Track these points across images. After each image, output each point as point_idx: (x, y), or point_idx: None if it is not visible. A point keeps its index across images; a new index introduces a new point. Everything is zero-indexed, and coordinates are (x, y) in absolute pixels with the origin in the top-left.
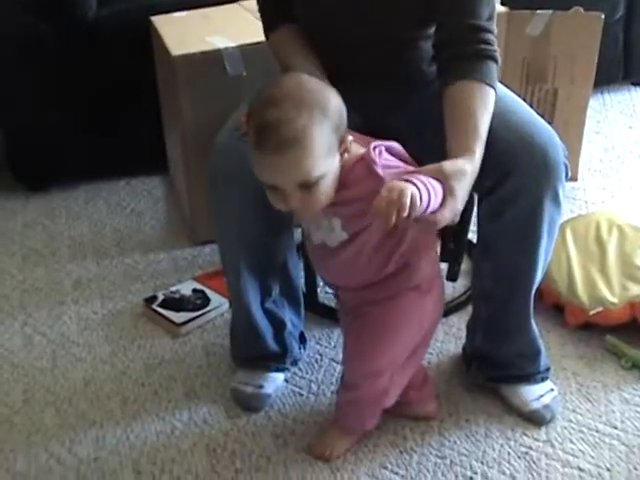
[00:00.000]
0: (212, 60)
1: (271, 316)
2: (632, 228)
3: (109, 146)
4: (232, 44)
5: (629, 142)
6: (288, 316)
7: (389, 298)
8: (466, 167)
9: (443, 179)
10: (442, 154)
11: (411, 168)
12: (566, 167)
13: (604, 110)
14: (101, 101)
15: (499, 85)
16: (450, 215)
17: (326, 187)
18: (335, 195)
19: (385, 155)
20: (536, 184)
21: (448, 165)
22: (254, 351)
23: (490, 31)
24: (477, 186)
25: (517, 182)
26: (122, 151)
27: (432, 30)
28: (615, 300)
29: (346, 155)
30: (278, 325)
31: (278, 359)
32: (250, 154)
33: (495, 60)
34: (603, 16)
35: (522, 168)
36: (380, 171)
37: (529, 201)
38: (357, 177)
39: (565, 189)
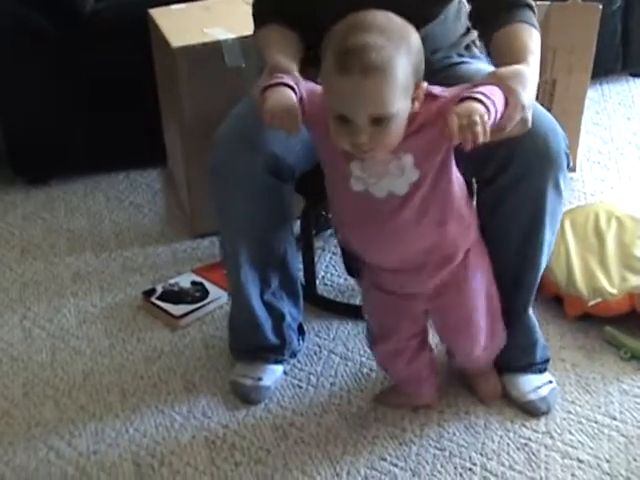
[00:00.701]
0: (212, 52)
1: (270, 308)
2: (631, 219)
3: (108, 139)
4: (231, 36)
5: (628, 133)
6: (287, 308)
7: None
8: (521, 68)
9: (498, 82)
10: None
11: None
12: (567, 156)
13: (603, 101)
14: (99, 94)
15: (484, 64)
16: (516, 114)
17: (396, 128)
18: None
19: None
20: (538, 172)
21: (502, 69)
22: (253, 343)
23: None
24: (477, 175)
25: (518, 170)
26: (121, 144)
27: (437, 15)
28: (614, 291)
29: (417, 104)
30: (277, 317)
31: (277, 351)
32: (325, 82)
33: (532, 8)
34: (601, 6)
35: (524, 156)
36: (439, 92)
37: (531, 189)
38: (424, 115)
39: (567, 179)
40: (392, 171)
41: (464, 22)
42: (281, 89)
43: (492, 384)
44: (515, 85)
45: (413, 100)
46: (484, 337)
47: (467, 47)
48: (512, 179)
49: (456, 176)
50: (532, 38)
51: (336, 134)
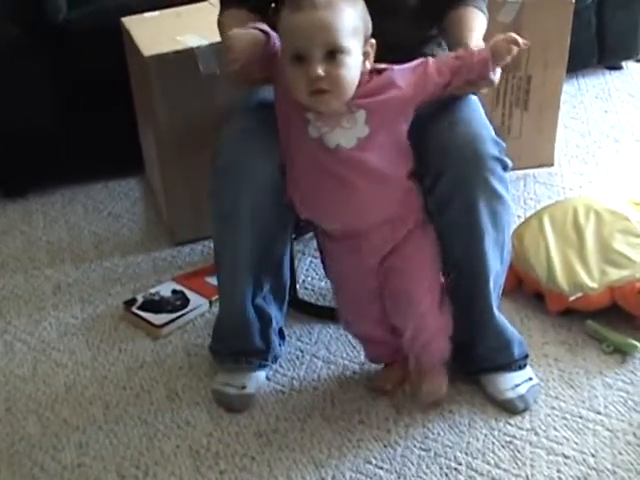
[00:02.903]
0: (185, 59)
1: (260, 312)
2: (609, 212)
3: (84, 149)
4: (205, 42)
5: (605, 126)
6: (274, 313)
7: (404, 243)
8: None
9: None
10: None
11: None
12: (500, 160)
13: (579, 95)
14: (74, 104)
15: None
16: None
17: (350, 70)
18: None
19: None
20: (466, 181)
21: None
22: (239, 347)
23: None
24: (421, 185)
25: (449, 181)
26: (98, 153)
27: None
28: (594, 285)
29: (367, 64)
30: (265, 321)
31: (261, 356)
32: (282, 22)
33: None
34: (574, 1)
35: (452, 167)
36: (387, 65)
37: (462, 198)
38: (375, 81)
39: (505, 181)
40: (344, 124)
41: (444, 47)
42: (250, 30)
43: (437, 383)
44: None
45: (364, 55)
46: (430, 307)
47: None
48: (444, 190)
49: (405, 144)
50: (478, 20)
51: (293, 80)
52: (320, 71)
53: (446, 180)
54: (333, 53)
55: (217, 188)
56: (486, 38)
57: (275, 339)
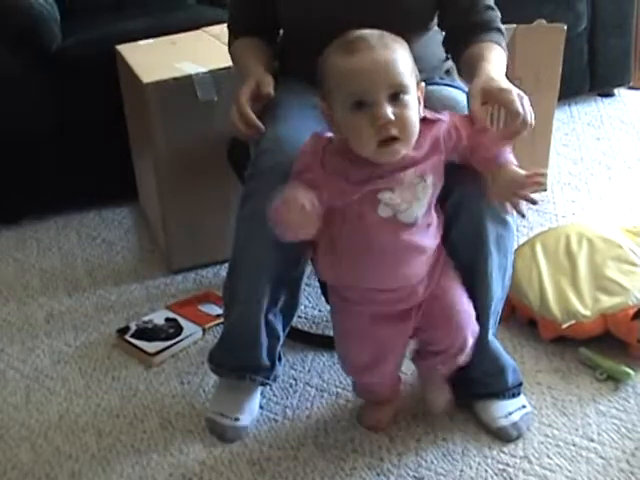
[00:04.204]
0: (183, 86)
1: (270, 328)
2: (602, 240)
3: (78, 176)
4: (202, 70)
5: (597, 153)
6: (280, 331)
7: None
8: (491, 69)
9: (487, 89)
10: None
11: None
12: None
13: (571, 122)
14: (68, 131)
15: (457, 92)
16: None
17: (414, 112)
18: (415, 152)
19: None
20: (474, 200)
21: (481, 79)
22: (246, 361)
23: (492, 8)
24: None
25: (457, 199)
26: (91, 181)
27: (417, 38)
28: (587, 313)
29: (421, 107)
30: (274, 338)
31: (265, 373)
32: (334, 69)
33: (501, 31)
34: (566, 27)
35: (461, 185)
36: (430, 115)
37: (470, 217)
38: (424, 134)
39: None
40: (419, 195)
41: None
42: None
43: (446, 394)
44: (502, 84)
45: (418, 99)
46: (471, 320)
47: (447, 72)
48: (453, 208)
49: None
50: (498, 54)
51: (355, 131)
52: (391, 115)
53: (453, 198)
54: (397, 95)
55: (252, 190)
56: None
57: (278, 358)
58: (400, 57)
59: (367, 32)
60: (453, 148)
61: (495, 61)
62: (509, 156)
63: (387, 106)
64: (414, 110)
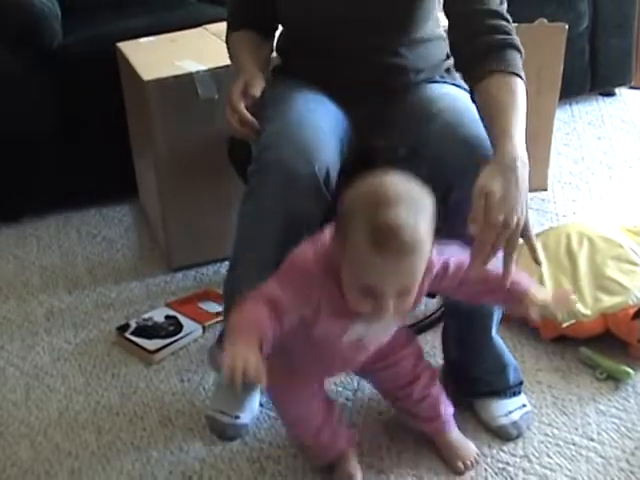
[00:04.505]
0: (184, 84)
1: None
2: (602, 239)
3: (79, 174)
4: (203, 67)
5: (598, 153)
6: None
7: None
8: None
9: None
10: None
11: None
12: None
13: (572, 122)
14: (69, 129)
15: (457, 90)
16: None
17: (414, 293)
18: None
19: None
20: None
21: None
22: None
23: (504, 18)
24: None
25: (460, 195)
26: (92, 179)
27: (417, 37)
28: (588, 312)
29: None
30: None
31: None
32: (353, 255)
33: (516, 48)
34: (567, 27)
35: (466, 181)
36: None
37: None
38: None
39: None
40: (390, 324)
41: (444, 48)
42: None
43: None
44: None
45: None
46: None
47: (447, 70)
48: (455, 203)
49: None
50: (516, 97)
51: (356, 301)
52: (392, 309)
53: (457, 194)
54: (406, 291)
55: (255, 186)
56: None
57: None
58: (423, 257)
59: (402, 223)
60: (438, 286)
61: (515, 128)
62: (520, 283)
63: (392, 299)
64: (414, 294)
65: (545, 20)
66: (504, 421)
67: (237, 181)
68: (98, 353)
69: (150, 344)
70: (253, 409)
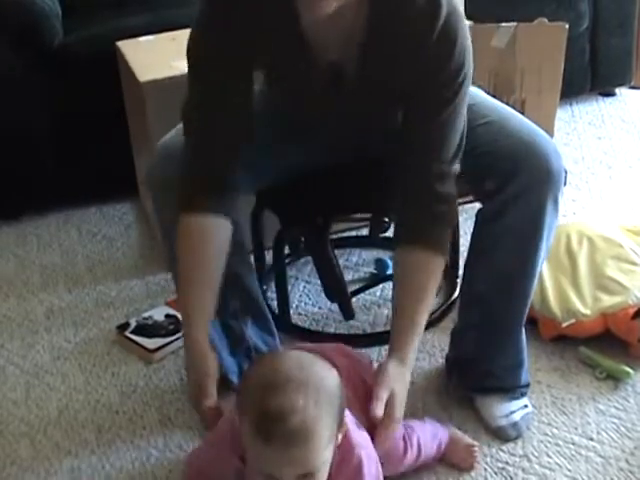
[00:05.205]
0: (179, 85)
1: (230, 331)
2: (602, 239)
3: (79, 173)
4: None
5: (598, 153)
6: (257, 334)
7: None
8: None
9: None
10: None
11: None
12: (565, 175)
13: (573, 122)
14: (69, 127)
15: (485, 96)
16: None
17: (324, 473)
18: None
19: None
20: (539, 188)
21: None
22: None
23: (451, 177)
24: (478, 190)
25: (521, 184)
26: (92, 177)
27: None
28: (587, 312)
29: (340, 436)
30: (235, 341)
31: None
32: (247, 441)
33: (449, 223)
34: (567, 26)
35: (526, 171)
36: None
37: (531, 204)
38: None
39: (562, 195)
40: None
41: None
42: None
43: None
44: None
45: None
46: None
47: None
48: (514, 192)
49: None
50: (430, 276)
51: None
52: None
53: (514, 187)
54: (308, 475)
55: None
56: (481, 66)
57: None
58: (318, 445)
59: (287, 411)
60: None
61: (415, 333)
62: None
63: None
64: (324, 472)
65: (545, 20)
66: (504, 422)
67: None
68: (98, 352)
69: (150, 343)
70: None
